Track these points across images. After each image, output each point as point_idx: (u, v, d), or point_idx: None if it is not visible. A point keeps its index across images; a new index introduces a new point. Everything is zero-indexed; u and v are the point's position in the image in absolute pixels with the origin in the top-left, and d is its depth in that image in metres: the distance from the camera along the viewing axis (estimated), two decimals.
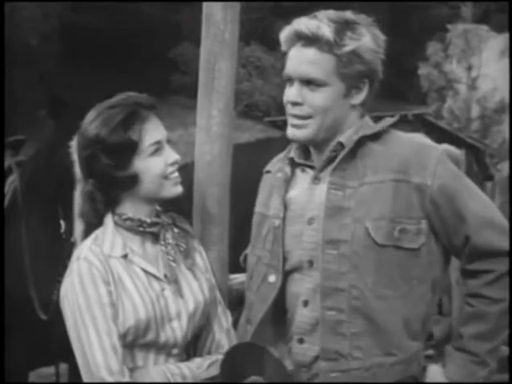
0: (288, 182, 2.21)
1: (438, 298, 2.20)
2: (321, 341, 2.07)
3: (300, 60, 2.11)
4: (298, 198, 2.18)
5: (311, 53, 2.09)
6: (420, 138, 2.20)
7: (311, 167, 2.19)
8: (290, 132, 2.16)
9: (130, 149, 2.10)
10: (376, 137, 2.14)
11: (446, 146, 2.17)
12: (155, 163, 2.13)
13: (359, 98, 2.14)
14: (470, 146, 24.89)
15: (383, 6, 30.22)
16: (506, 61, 26.71)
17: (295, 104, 2.13)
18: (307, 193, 2.16)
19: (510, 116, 24.65)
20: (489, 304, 2.08)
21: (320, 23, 2.08)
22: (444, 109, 30.18)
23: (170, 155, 2.16)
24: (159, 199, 2.18)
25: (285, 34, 2.13)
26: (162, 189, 2.15)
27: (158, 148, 2.13)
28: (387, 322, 2.05)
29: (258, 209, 2.30)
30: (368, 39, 2.10)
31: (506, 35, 27.63)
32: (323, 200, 2.11)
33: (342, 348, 2.05)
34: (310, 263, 2.11)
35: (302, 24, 2.10)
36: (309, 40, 2.09)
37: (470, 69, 30.53)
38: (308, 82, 2.11)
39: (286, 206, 2.18)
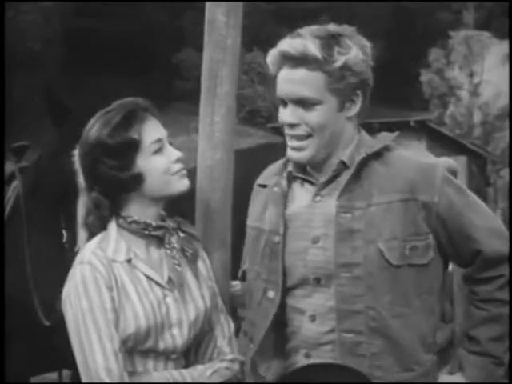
0: (285, 196, 2.20)
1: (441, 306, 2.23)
2: (340, 361, 2.06)
3: (291, 82, 2.08)
4: (299, 215, 2.16)
5: (301, 73, 2.07)
6: (421, 157, 2.20)
7: (310, 182, 2.18)
8: (291, 154, 2.16)
9: (133, 148, 2.10)
10: (377, 155, 2.13)
11: (445, 160, 2.18)
12: (158, 161, 2.12)
13: (354, 110, 2.12)
14: (472, 153, 24.88)
15: (386, 13, 30.25)
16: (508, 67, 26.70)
17: (292, 125, 2.11)
18: (308, 210, 2.15)
19: (510, 122, 24.64)
20: (502, 306, 2.13)
21: (305, 41, 2.04)
22: (446, 115, 30.22)
23: (173, 153, 2.16)
24: (166, 196, 2.17)
25: (272, 57, 2.11)
26: (168, 185, 2.14)
27: (159, 147, 2.13)
28: (405, 339, 2.07)
29: (251, 222, 2.29)
30: (356, 50, 2.07)
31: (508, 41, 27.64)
32: (331, 220, 2.09)
33: (362, 368, 2.03)
34: (317, 281, 2.11)
35: (287, 45, 2.07)
36: (297, 60, 2.06)
37: (472, 75, 30.57)
38: (301, 102, 2.09)
39: (285, 222, 2.17)
